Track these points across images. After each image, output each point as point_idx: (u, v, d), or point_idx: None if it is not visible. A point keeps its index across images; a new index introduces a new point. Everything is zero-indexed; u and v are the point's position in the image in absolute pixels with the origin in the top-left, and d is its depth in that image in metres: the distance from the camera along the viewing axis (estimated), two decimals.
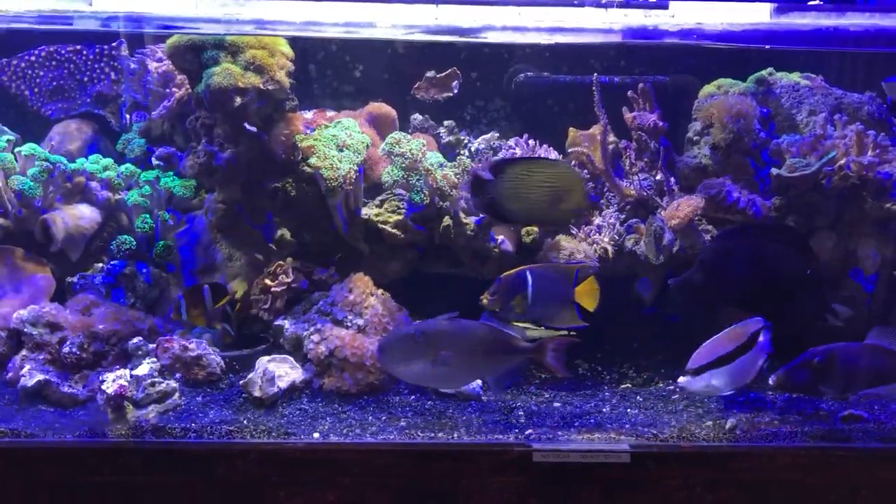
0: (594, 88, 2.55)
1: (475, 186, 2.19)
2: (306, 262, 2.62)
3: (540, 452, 2.00)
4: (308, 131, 2.57)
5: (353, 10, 2.18)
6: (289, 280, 2.53)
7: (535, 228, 2.58)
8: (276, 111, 2.53)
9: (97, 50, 3.08)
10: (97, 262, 2.78)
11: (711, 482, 2.02)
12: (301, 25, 2.26)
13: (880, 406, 2.23)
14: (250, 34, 2.37)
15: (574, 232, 2.60)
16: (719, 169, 2.60)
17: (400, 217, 2.61)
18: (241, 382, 2.28)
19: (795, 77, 2.78)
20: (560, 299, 2.10)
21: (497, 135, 2.97)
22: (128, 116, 3.08)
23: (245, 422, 2.14)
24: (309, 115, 2.73)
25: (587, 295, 2.14)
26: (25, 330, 2.41)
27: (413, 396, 2.33)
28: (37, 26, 2.41)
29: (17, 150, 2.75)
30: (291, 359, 2.39)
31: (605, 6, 2.13)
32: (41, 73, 3.05)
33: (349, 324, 2.41)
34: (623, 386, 2.45)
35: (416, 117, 3.00)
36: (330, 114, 2.83)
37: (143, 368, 2.27)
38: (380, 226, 2.60)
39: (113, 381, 2.14)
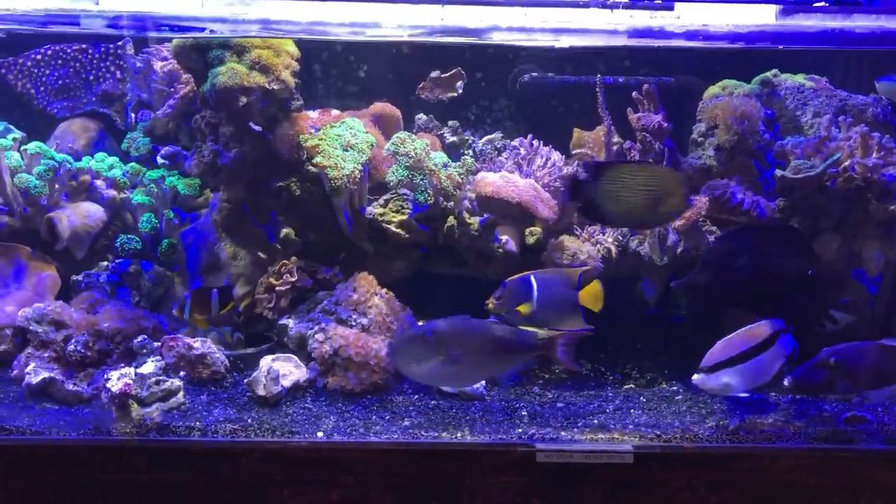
0: (598, 90, 2.55)
1: (573, 189, 2.20)
2: (311, 262, 2.63)
3: (543, 453, 2.00)
4: (313, 131, 2.57)
5: (358, 10, 2.18)
6: (293, 279, 2.54)
7: (539, 228, 2.58)
8: (281, 111, 2.54)
9: (103, 49, 3.09)
10: (102, 260, 2.79)
11: (715, 483, 2.02)
12: (307, 26, 2.26)
13: (884, 408, 2.23)
14: (255, 36, 2.38)
15: (578, 232, 2.60)
16: (724, 170, 2.60)
17: (404, 217, 2.61)
18: (245, 381, 2.29)
19: (800, 79, 2.77)
20: (565, 303, 2.11)
21: (501, 135, 2.98)
22: (133, 115, 3.09)
23: (249, 420, 2.14)
24: (314, 114, 2.74)
25: (591, 298, 2.14)
26: (31, 328, 2.42)
27: (417, 396, 2.33)
28: (41, 30, 2.41)
29: (23, 148, 2.76)
30: (296, 358, 2.40)
31: (611, 7, 2.13)
32: (47, 72, 3.06)
33: (353, 323, 2.42)
34: (626, 386, 2.45)
35: (421, 117, 3.01)
36: (334, 113, 2.84)
37: (148, 367, 2.28)
38: (384, 225, 2.60)
39: (118, 379, 2.14)
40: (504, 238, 2.54)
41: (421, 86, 2.94)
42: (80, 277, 2.72)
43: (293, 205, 2.59)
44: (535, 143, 2.72)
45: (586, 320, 2.15)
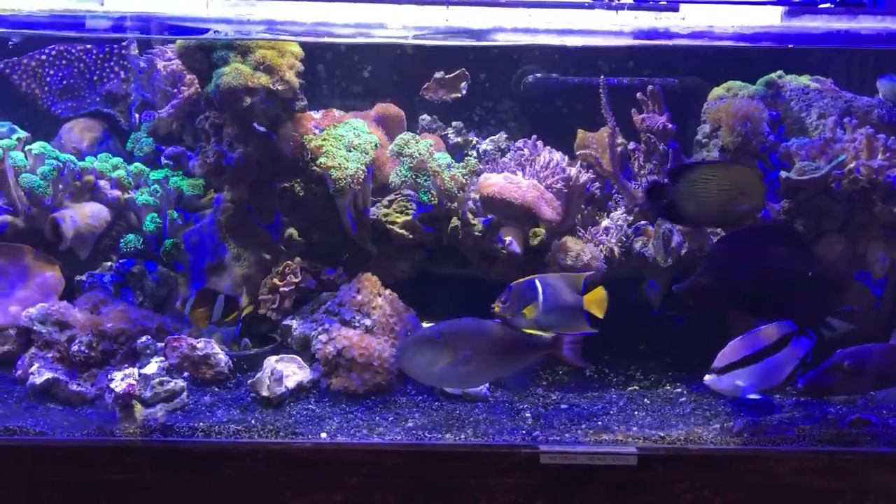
0: (601, 91, 2.55)
1: (652, 191, 2.24)
2: (314, 262, 2.62)
3: (547, 454, 1.99)
4: (317, 131, 2.57)
5: (363, 11, 2.18)
6: (297, 280, 2.54)
7: (542, 229, 2.58)
8: (285, 111, 2.54)
9: (107, 49, 3.09)
10: (106, 260, 2.79)
11: (719, 485, 2.02)
12: (311, 26, 2.26)
13: (889, 410, 2.22)
14: (260, 38, 2.38)
15: (581, 234, 2.59)
16: None
17: (408, 217, 2.61)
18: (248, 382, 2.29)
19: (805, 80, 2.77)
20: (569, 307, 2.12)
21: (506, 136, 2.97)
22: (137, 115, 3.09)
23: (253, 421, 2.14)
24: (317, 115, 2.74)
25: (596, 303, 2.14)
26: (34, 328, 2.42)
27: (420, 397, 2.33)
28: (48, 32, 2.42)
29: (27, 148, 2.76)
30: (299, 359, 2.40)
31: (616, 8, 2.13)
32: (51, 72, 3.06)
33: (357, 324, 2.41)
34: (630, 388, 2.45)
35: (425, 118, 3.00)
36: (338, 114, 2.84)
37: (152, 367, 2.27)
38: (388, 226, 2.60)
39: (121, 379, 2.15)
40: (508, 239, 2.54)
41: (425, 86, 2.94)
42: (83, 277, 2.72)
43: (297, 205, 2.59)
44: (539, 144, 2.72)
45: (590, 322, 2.15)
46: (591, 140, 2.79)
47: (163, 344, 2.39)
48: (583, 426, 2.17)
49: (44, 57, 3.06)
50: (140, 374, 2.22)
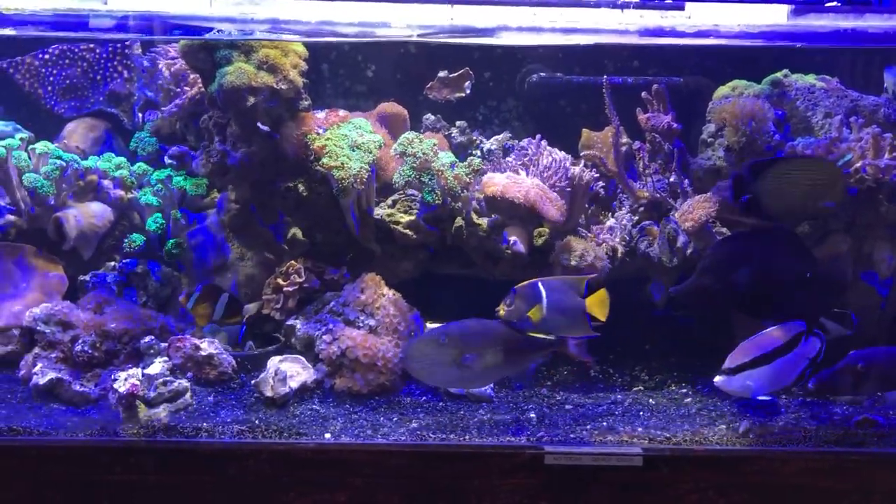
0: (605, 90, 2.54)
1: (735, 188, 2.26)
2: (318, 262, 2.62)
3: (552, 455, 1.99)
4: (320, 131, 2.56)
5: (367, 9, 2.17)
6: (301, 280, 2.53)
7: (546, 229, 2.57)
8: (288, 110, 2.53)
9: (110, 48, 3.08)
10: (109, 260, 2.79)
11: (724, 486, 2.01)
12: (316, 25, 2.26)
13: (895, 410, 2.22)
14: (264, 37, 2.38)
15: (584, 234, 2.59)
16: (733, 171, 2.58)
17: (412, 217, 2.60)
18: (252, 382, 2.29)
19: (811, 79, 2.76)
20: (572, 310, 2.12)
21: (509, 135, 2.96)
22: (140, 115, 3.08)
23: (256, 422, 2.14)
24: (321, 114, 2.73)
25: (598, 305, 2.15)
26: (38, 328, 2.42)
27: (424, 397, 2.32)
28: (52, 33, 2.42)
29: (30, 147, 2.76)
30: (303, 359, 2.39)
31: (621, 7, 2.12)
32: (54, 72, 3.06)
33: (361, 324, 2.41)
34: (635, 388, 2.44)
35: (429, 117, 3.00)
36: (342, 113, 2.83)
37: (155, 367, 2.27)
38: (392, 226, 2.60)
39: (125, 379, 2.14)
40: (512, 239, 2.53)
41: (429, 86, 2.93)
42: (87, 277, 2.71)
43: (300, 205, 2.59)
44: (543, 143, 2.71)
45: (592, 325, 2.14)
46: (595, 139, 2.78)
47: (166, 344, 2.38)
48: (588, 427, 2.16)
49: (47, 56, 3.06)
50: (144, 375, 2.21)
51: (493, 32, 2.29)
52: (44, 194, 2.68)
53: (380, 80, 3.05)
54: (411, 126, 2.92)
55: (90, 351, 2.38)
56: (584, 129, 2.81)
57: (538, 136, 2.72)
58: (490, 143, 2.96)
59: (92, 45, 3.08)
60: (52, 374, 2.28)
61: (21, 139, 2.76)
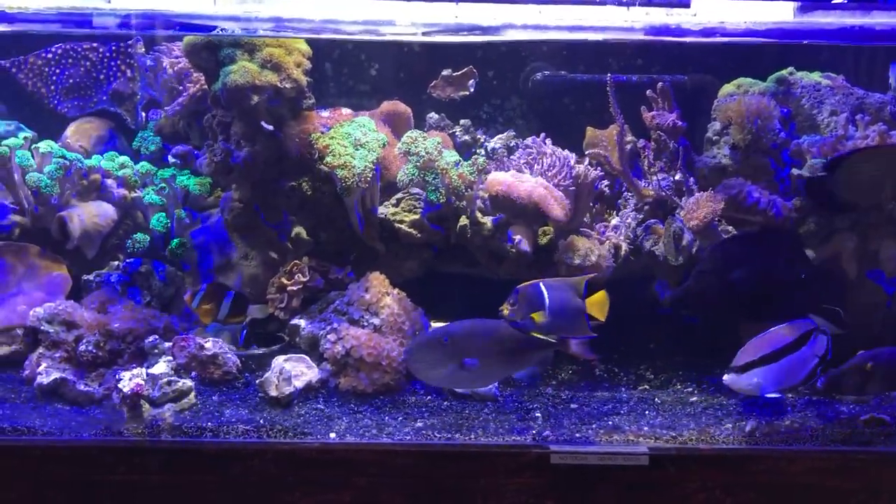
0: (609, 89, 2.53)
1: (811, 188, 2.33)
2: (322, 261, 2.62)
3: (557, 454, 1.98)
4: (324, 130, 2.56)
5: (372, 7, 2.17)
6: (305, 279, 2.53)
7: (551, 228, 2.57)
8: (292, 110, 2.53)
9: (113, 47, 3.08)
10: (113, 259, 2.79)
11: (730, 485, 2.00)
12: (319, 24, 2.25)
13: None
14: (267, 35, 2.37)
15: (588, 233, 2.58)
16: (739, 169, 2.57)
17: (416, 216, 2.60)
18: (257, 382, 2.28)
19: (816, 77, 2.75)
20: (573, 311, 2.12)
21: (513, 133, 2.96)
22: (143, 114, 3.08)
23: (261, 421, 2.13)
24: (325, 113, 2.73)
25: (597, 306, 2.15)
26: (42, 328, 2.42)
27: (429, 397, 2.32)
28: (55, 29, 2.41)
29: (33, 147, 2.75)
30: (308, 358, 2.39)
31: (627, 4, 2.11)
32: (58, 71, 3.05)
33: (365, 323, 2.40)
34: (641, 387, 2.43)
35: (432, 116, 2.99)
36: (346, 112, 2.83)
37: (160, 367, 2.27)
38: (396, 225, 2.59)
39: (129, 379, 2.14)
40: (517, 238, 2.52)
41: (433, 84, 2.92)
42: (90, 277, 2.71)
43: (305, 204, 2.58)
44: (547, 141, 2.70)
45: (591, 325, 2.14)
46: (600, 138, 2.77)
47: (171, 343, 2.38)
48: (593, 426, 2.16)
49: (50, 55, 3.06)
50: (148, 374, 2.21)
51: (499, 30, 2.28)
52: (47, 193, 2.68)
53: (383, 78, 3.04)
54: (415, 125, 2.92)
55: (94, 350, 2.38)
56: (588, 128, 2.80)
57: (542, 135, 2.72)
58: (494, 142, 2.95)
59: (95, 45, 3.08)
60: (56, 374, 2.28)
61: (24, 138, 2.75)
